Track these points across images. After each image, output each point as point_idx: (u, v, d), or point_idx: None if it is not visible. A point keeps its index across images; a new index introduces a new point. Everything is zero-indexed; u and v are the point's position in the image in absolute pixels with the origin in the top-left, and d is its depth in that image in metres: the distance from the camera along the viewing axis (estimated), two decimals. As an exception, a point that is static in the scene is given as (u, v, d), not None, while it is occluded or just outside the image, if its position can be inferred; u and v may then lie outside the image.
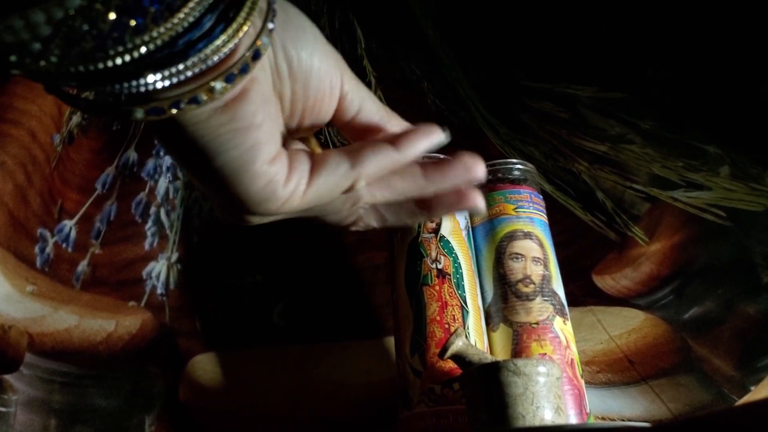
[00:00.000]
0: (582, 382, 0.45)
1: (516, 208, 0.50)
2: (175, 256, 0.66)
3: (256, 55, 0.23)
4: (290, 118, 0.28)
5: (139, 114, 0.21)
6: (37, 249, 0.62)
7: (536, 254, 0.48)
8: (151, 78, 0.20)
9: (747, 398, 0.54)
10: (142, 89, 0.21)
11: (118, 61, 0.19)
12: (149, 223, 0.68)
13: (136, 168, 0.71)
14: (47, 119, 0.67)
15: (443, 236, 0.48)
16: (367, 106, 0.30)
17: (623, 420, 0.54)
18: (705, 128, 0.69)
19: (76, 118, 0.71)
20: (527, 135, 0.73)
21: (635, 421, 0.54)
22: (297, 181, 0.27)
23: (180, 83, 0.21)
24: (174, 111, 0.22)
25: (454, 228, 0.48)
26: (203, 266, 0.67)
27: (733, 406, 0.52)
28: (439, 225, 0.48)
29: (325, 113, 0.29)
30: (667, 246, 0.63)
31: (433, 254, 0.47)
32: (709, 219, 0.64)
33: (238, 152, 0.24)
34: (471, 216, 0.52)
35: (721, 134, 0.68)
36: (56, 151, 0.67)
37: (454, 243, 0.48)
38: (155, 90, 0.21)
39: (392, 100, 0.72)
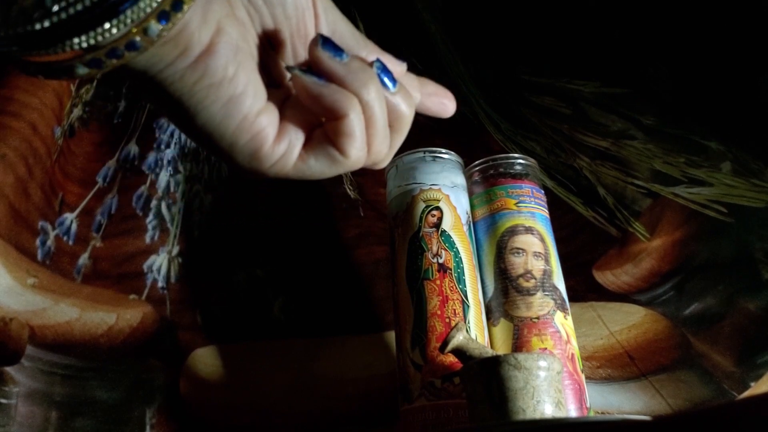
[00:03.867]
0: (582, 377, 0.45)
1: (517, 203, 0.50)
2: (176, 250, 0.66)
3: None
4: (283, 51, 0.28)
5: (81, 70, 0.21)
6: (38, 242, 0.62)
7: (537, 249, 0.48)
8: (98, 30, 0.20)
9: (747, 394, 0.54)
10: (84, 45, 0.20)
11: (62, 16, 0.19)
12: (150, 217, 0.67)
13: (137, 161, 0.71)
14: (48, 112, 0.67)
15: (444, 230, 0.48)
16: (341, 29, 0.29)
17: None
18: (707, 124, 0.69)
19: (77, 111, 0.71)
20: (529, 130, 0.73)
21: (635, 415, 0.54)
22: (287, 146, 0.27)
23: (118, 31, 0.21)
24: (114, 61, 0.21)
25: (455, 222, 0.48)
26: (204, 260, 0.67)
27: (733, 401, 0.52)
28: (440, 219, 0.48)
29: (312, 35, 0.28)
30: (668, 242, 0.63)
31: (435, 248, 0.47)
32: (710, 215, 0.64)
33: (216, 107, 0.24)
34: (472, 211, 0.52)
35: (722, 130, 0.68)
36: (57, 143, 0.67)
37: (455, 237, 0.48)
38: (96, 43, 0.21)
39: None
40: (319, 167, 0.27)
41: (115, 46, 0.21)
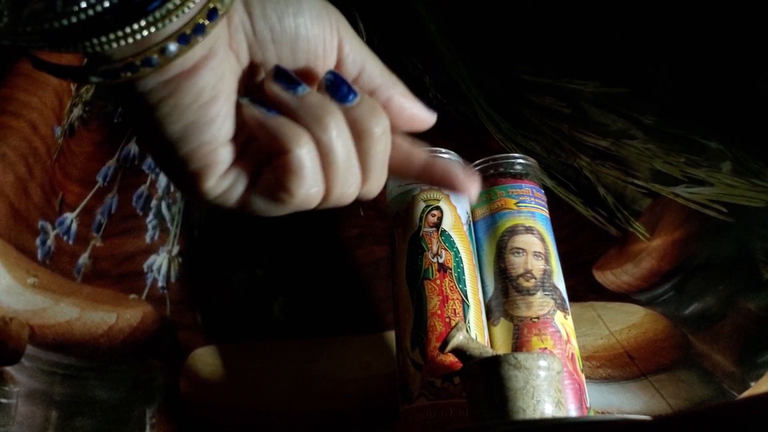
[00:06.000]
0: (582, 376, 0.45)
1: (517, 203, 0.50)
2: (176, 250, 0.66)
3: (212, 16, 0.21)
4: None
5: (94, 78, 0.21)
6: (38, 241, 0.62)
7: (537, 249, 0.48)
8: (104, 39, 0.20)
9: (747, 394, 0.54)
10: (97, 49, 0.20)
11: (73, 20, 0.19)
12: (150, 216, 0.68)
13: (137, 161, 0.71)
14: (48, 111, 0.67)
15: (445, 230, 0.48)
16: (369, 68, 0.28)
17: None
18: (707, 124, 0.69)
19: (77, 111, 0.71)
20: (529, 130, 0.73)
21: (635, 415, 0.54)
22: (232, 182, 0.25)
23: (134, 44, 0.21)
24: (129, 74, 0.21)
25: (455, 222, 0.48)
26: (204, 260, 0.67)
27: (733, 401, 0.52)
28: (440, 219, 0.48)
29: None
30: (668, 242, 0.63)
31: (435, 248, 0.47)
32: (710, 215, 0.64)
33: (174, 128, 0.23)
34: (472, 210, 0.52)
35: (723, 130, 0.68)
36: (57, 143, 0.67)
37: (455, 237, 0.48)
38: (109, 52, 0.21)
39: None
40: (263, 205, 0.26)
41: (132, 61, 0.21)
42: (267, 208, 0.26)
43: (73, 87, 0.71)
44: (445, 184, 0.30)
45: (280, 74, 0.25)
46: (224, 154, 0.25)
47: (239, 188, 0.26)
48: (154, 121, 0.23)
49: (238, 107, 0.25)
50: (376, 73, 0.28)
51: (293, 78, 0.25)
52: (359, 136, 0.26)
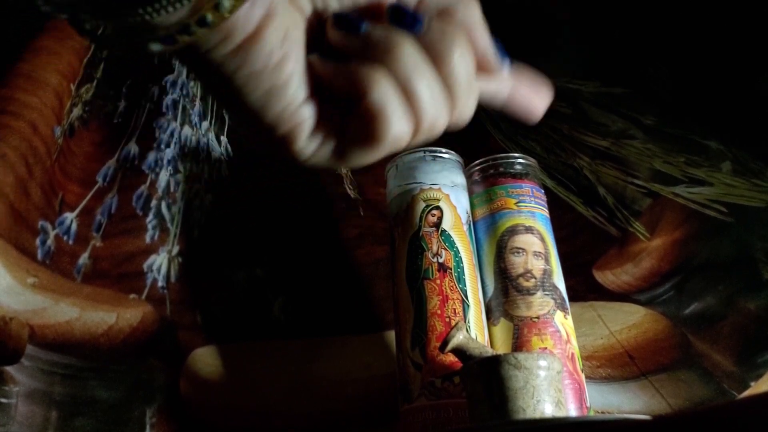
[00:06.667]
0: (582, 376, 0.45)
1: (517, 203, 0.50)
2: (176, 250, 0.66)
3: None
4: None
5: (155, 46, 0.21)
6: (38, 241, 0.62)
7: (537, 249, 0.48)
8: (157, 4, 0.20)
9: (747, 394, 0.54)
10: (152, 16, 0.20)
11: None
12: (150, 216, 0.67)
13: (137, 161, 0.71)
14: (48, 111, 0.67)
15: (444, 230, 0.48)
16: None
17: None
18: (707, 124, 0.69)
19: (77, 111, 0.71)
20: (528, 129, 0.73)
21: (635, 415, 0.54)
22: (323, 139, 0.25)
23: (188, 6, 0.20)
24: (186, 38, 0.21)
25: (455, 222, 0.48)
26: (204, 260, 0.67)
27: (733, 401, 0.52)
28: (440, 219, 0.48)
29: None
30: (668, 242, 0.63)
31: (435, 248, 0.47)
32: (710, 215, 0.64)
33: (255, 96, 0.23)
34: (472, 210, 0.52)
35: (722, 130, 0.68)
36: (57, 143, 0.67)
37: (455, 237, 0.48)
38: (161, 19, 0.20)
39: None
40: (358, 155, 0.25)
41: (187, 23, 0.20)
42: (362, 157, 0.26)
43: (73, 87, 0.71)
44: (528, 102, 0.29)
45: (339, 19, 0.24)
46: (307, 112, 0.25)
47: (330, 144, 0.25)
48: (234, 94, 0.23)
49: (312, 64, 0.25)
50: None
51: (352, 20, 0.24)
52: (437, 61, 0.24)
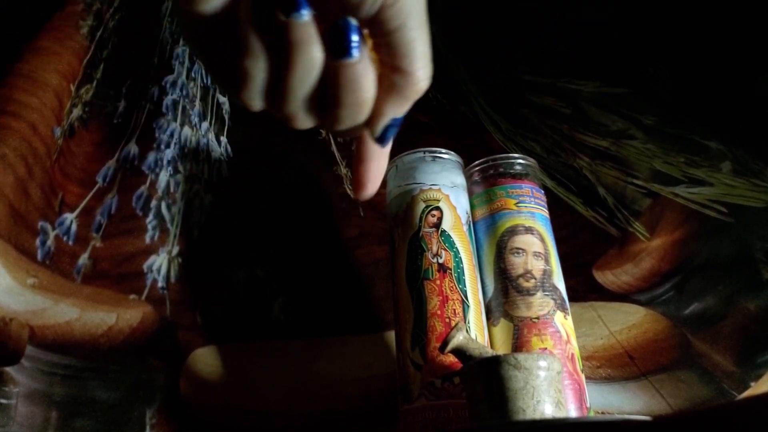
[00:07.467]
0: (582, 376, 0.45)
1: (517, 203, 0.50)
2: (175, 250, 0.66)
3: None
4: None
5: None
6: (38, 242, 0.62)
7: (537, 249, 0.48)
8: None
9: (747, 394, 0.54)
10: None
11: None
12: (150, 217, 0.67)
13: (137, 161, 0.71)
14: (48, 112, 0.67)
15: (444, 230, 0.48)
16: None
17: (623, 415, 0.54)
18: (707, 124, 0.69)
19: (77, 111, 0.71)
20: (528, 130, 0.73)
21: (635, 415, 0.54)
22: None
23: None
24: None
25: (455, 222, 0.48)
26: (204, 260, 0.67)
27: (733, 401, 0.52)
28: (440, 219, 0.48)
29: None
30: (668, 242, 0.63)
31: (434, 248, 0.47)
32: (710, 215, 0.64)
33: None
34: (472, 211, 0.52)
35: (722, 130, 0.68)
36: (57, 143, 0.67)
37: (455, 237, 0.48)
38: None
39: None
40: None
41: None
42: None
43: (72, 87, 0.71)
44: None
45: None
46: None
47: None
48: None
49: None
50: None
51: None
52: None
